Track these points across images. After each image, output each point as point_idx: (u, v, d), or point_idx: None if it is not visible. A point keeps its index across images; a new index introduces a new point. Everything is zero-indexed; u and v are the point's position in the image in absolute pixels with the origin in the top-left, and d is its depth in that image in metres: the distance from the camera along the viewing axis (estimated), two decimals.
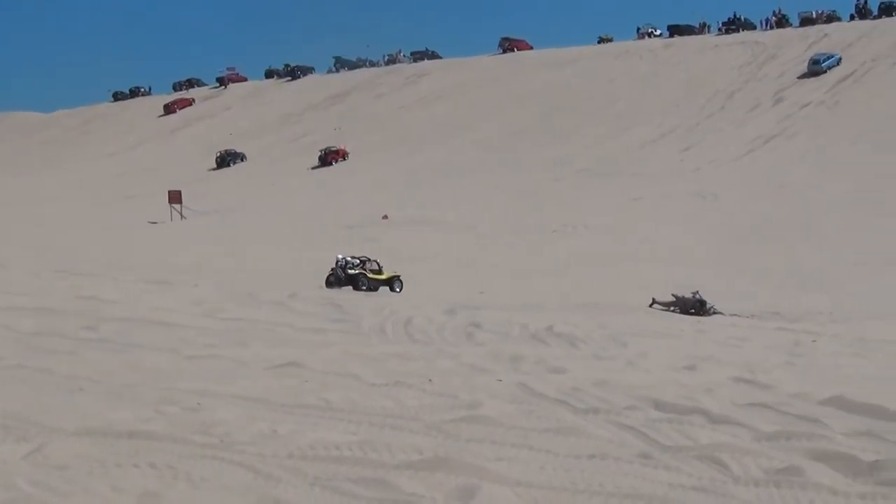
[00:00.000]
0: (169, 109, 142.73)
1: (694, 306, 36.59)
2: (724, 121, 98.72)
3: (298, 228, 68.23)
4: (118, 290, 33.36)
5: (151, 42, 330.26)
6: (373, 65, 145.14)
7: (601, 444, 13.72)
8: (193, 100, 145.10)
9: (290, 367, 19.37)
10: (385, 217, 70.09)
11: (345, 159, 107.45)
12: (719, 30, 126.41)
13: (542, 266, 51.11)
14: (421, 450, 12.82)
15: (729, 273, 48.27)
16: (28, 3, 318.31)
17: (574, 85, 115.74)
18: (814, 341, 29.06)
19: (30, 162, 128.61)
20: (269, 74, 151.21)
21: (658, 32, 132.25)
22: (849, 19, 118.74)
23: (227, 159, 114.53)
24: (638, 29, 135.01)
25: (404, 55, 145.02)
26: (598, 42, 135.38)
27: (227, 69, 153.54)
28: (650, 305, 37.43)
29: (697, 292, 37.29)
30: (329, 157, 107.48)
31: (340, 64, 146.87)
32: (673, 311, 36.80)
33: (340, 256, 41.38)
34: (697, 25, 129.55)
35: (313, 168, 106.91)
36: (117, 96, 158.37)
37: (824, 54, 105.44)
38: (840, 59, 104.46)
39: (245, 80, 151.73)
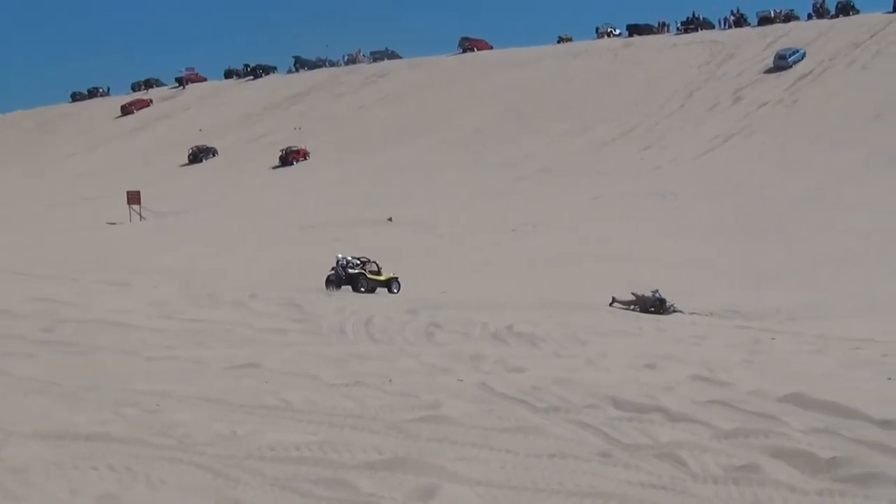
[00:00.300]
0: (126, 110, 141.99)
1: (654, 305, 36.70)
2: (684, 120, 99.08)
3: (259, 229, 68.01)
4: (76, 292, 33.11)
5: (111, 42, 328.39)
6: (332, 64, 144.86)
7: (561, 442, 13.74)
8: (151, 100, 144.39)
9: (249, 368, 19.30)
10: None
11: (306, 159, 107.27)
12: (678, 29, 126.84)
13: (503, 265, 51.17)
14: (381, 450, 12.81)
15: (688, 271, 48.43)
16: None
17: (534, 84, 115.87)
18: (773, 339, 29.20)
19: None
20: (229, 74, 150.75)
21: (617, 32, 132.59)
22: (806, 18, 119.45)
23: (199, 155, 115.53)
24: (597, 29, 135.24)
25: (364, 55, 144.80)
26: (558, 42, 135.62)
27: (186, 69, 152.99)
28: (610, 304, 37.52)
29: (657, 291, 37.40)
30: (290, 157, 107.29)
31: (300, 64, 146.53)
32: (633, 309, 36.90)
33: (341, 256, 41.51)
34: (656, 25, 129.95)
35: (274, 168, 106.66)
36: (76, 97, 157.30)
37: (790, 49, 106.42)
38: (805, 53, 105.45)
39: (204, 80, 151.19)
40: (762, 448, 13.51)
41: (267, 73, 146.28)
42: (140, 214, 77.96)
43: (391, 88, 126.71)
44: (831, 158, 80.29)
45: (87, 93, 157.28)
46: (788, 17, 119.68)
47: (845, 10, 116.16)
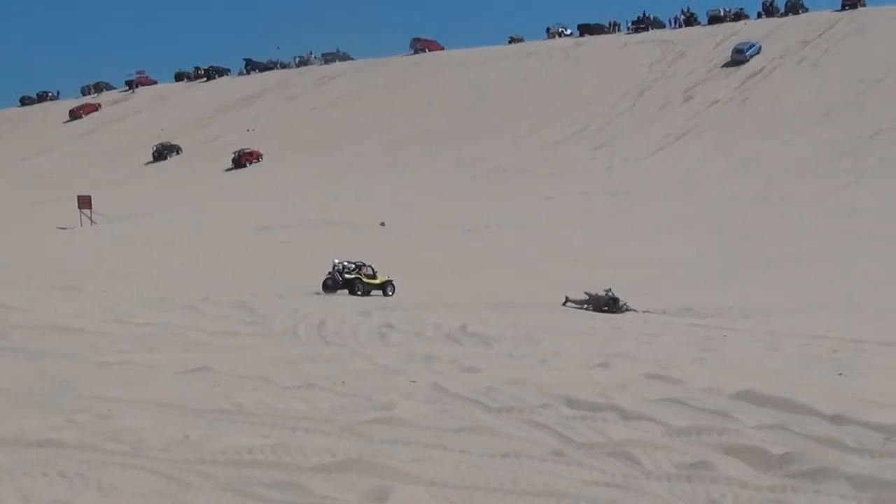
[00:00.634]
0: (75, 115, 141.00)
1: (607, 304, 36.81)
2: (635, 119, 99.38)
3: (211, 231, 67.70)
4: (26, 297, 32.84)
5: (60, 46, 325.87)
6: (284, 66, 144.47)
7: (514, 442, 13.76)
8: (99, 105, 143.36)
9: (201, 372, 19.22)
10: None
11: (259, 161, 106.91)
12: (629, 29, 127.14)
13: (456, 265, 51.16)
14: (334, 452, 12.78)
15: (641, 270, 48.59)
16: None
17: (486, 85, 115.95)
18: (725, 337, 29.37)
19: None
20: (180, 77, 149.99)
21: (568, 32, 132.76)
22: (756, 17, 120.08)
23: (163, 152, 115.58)
24: (548, 29, 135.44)
25: (315, 57, 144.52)
26: (509, 42, 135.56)
27: (137, 72, 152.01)
28: (564, 304, 37.61)
29: (610, 290, 37.52)
30: (243, 159, 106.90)
31: (251, 66, 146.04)
32: (586, 309, 37.00)
33: (337, 261, 42.06)
34: (607, 25, 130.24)
35: (227, 170, 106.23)
36: (25, 101, 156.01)
37: (747, 43, 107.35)
38: (761, 47, 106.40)
39: (155, 83, 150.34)
40: (715, 445, 13.58)
41: (221, 75, 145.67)
42: (91, 219, 77.44)
43: (343, 90, 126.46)
44: (782, 156, 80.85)
45: (36, 97, 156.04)
46: (738, 16, 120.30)
47: (794, 8, 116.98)
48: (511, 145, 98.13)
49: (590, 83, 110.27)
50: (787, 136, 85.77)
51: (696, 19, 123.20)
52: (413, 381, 18.83)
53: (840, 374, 21.57)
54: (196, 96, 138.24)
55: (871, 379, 21.26)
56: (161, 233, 68.49)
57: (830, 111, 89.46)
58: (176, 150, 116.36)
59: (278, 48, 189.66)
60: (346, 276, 41.45)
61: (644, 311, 36.65)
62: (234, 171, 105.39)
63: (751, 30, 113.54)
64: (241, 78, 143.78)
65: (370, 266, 42.28)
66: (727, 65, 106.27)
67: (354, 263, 42.10)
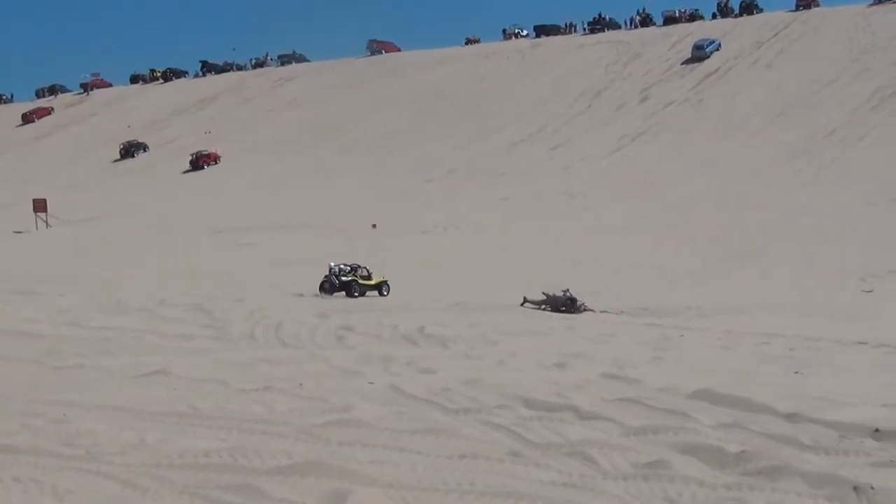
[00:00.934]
0: (27, 119, 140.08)
1: (564, 304, 36.87)
2: (592, 120, 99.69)
3: (168, 234, 67.45)
4: None
5: (13, 48, 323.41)
6: (240, 68, 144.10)
7: (472, 443, 13.75)
8: (52, 108, 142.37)
9: (157, 375, 19.13)
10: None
11: (217, 163, 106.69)
12: (585, 30, 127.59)
13: (413, 267, 51.12)
14: (291, 454, 12.75)
15: (598, 271, 48.75)
16: None
17: (443, 86, 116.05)
18: (681, 336, 29.48)
19: None
20: (135, 79, 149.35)
21: (525, 33, 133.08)
22: (711, 18, 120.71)
23: (131, 150, 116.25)
24: (504, 30, 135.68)
25: (272, 59, 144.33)
26: (466, 43, 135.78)
27: (91, 75, 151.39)
28: (521, 304, 37.65)
29: (568, 290, 37.61)
30: (201, 161, 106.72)
31: (207, 68, 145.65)
32: (544, 309, 37.06)
33: (333, 264, 42.14)
34: (563, 26, 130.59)
35: (185, 172, 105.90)
36: None
37: (706, 40, 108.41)
38: (720, 44, 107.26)
39: (109, 85, 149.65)
40: (671, 444, 13.61)
41: (178, 77, 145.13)
42: (46, 222, 77.02)
43: (300, 92, 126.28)
44: (737, 156, 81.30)
45: None
46: (693, 17, 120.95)
47: (749, 9, 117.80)
48: (468, 146, 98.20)
49: (546, 84, 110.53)
50: (743, 136, 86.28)
51: (651, 20, 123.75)
52: (371, 383, 18.80)
53: (796, 373, 21.69)
54: (152, 98, 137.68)
55: (827, 377, 21.42)
56: (118, 236, 68.16)
57: (785, 111, 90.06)
58: (143, 147, 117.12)
59: (234, 50, 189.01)
60: (343, 278, 41.57)
61: (602, 311, 36.76)
62: (191, 173, 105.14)
63: (706, 30, 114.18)
64: (197, 80, 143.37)
65: (365, 268, 42.43)
66: (685, 62, 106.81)
67: (349, 266, 42.25)
